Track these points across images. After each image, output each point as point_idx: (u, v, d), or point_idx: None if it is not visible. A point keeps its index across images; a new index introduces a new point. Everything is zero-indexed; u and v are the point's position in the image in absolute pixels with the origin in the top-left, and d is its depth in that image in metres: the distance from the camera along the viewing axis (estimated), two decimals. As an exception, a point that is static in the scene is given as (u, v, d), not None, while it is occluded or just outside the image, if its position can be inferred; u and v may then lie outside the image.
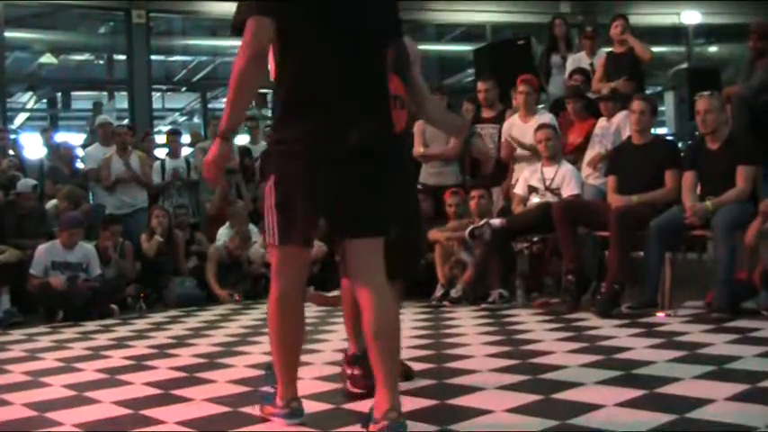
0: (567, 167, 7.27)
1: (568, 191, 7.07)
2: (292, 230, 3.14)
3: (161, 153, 10.92)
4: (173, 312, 7.85)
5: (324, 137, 3.06)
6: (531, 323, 6.00)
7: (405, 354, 4.83)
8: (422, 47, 17.09)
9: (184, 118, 20.11)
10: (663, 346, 4.80)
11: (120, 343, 6.04)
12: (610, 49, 9.09)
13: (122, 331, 6.71)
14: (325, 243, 8.02)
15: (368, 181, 3.13)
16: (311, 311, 7.25)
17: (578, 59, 9.59)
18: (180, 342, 5.91)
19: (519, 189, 7.44)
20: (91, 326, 7.09)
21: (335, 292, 7.63)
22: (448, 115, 4.58)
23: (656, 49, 15.84)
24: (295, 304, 3.30)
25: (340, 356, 4.26)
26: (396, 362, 3.17)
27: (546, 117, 8.04)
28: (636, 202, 6.46)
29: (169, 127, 17.37)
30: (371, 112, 3.15)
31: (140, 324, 7.13)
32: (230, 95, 3.10)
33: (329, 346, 5.39)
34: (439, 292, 7.30)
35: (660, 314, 5.98)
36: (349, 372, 3.92)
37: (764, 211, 5.87)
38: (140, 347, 5.77)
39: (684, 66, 17.14)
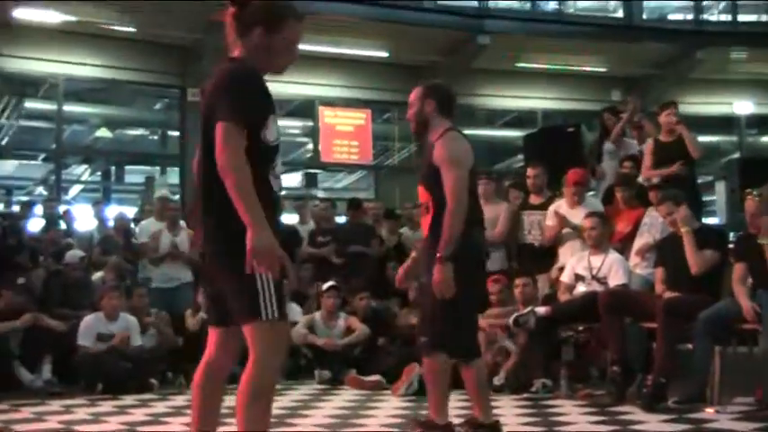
0: (614, 256, 7.16)
1: (615, 280, 6.96)
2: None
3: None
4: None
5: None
6: (574, 414, 5.86)
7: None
8: (472, 132, 17.19)
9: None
10: (711, 445, 4.65)
11: (156, 419, 6.00)
12: (656, 137, 8.72)
13: (160, 407, 6.67)
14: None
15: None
16: (349, 395, 7.18)
17: (630, 145, 9.53)
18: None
19: (565, 277, 7.33)
20: (129, 400, 7.05)
21: (375, 377, 7.56)
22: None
23: (707, 138, 15.80)
24: (215, 377, 3.38)
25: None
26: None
27: (594, 205, 7.98)
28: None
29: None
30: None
31: (179, 400, 7.06)
32: None
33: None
34: (481, 379, 7.16)
35: (708, 410, 5.80)
36: None
37: None
38: (176, 425, 5.72)
39: (736, 155, 17.03)
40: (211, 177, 3.13)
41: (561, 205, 8.00)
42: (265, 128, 3.21)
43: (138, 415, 6.23)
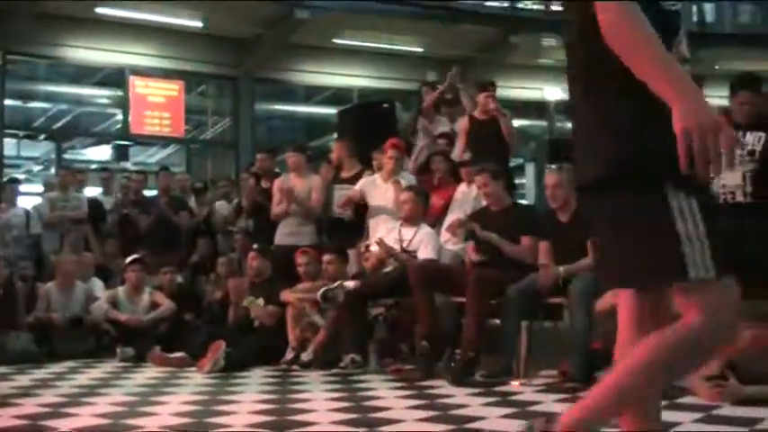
0: (425, 230, 7.13)
1: (424, 254, 6.91)
2: None
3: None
4: (3, 369, 7.26)
5: None
6: (382, 389, 5.76)
7: (246, 419, 4.56)
8: (290, 108, 16.99)
9: (41, 167, 19.25)
10: (516, 416, 4.64)
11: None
12: (472, 114, 8.78)
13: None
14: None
15: None
16: (152, 372, 6.87)
17: (442, 122, 9.60)
18: (3, 402, 5.42)
19: (375, 247, 7.22)
20: None
21: (179, 354, 7.26)
22: None
23: (519, 122, 16.20)
24: None
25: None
26: None
27: (409, 179, 7.95)
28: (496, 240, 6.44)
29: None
30: None
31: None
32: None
33: (166, 409, 5.04)
34: (289, 355, 7.00)
35: (515, 383, 5.84)
36: None
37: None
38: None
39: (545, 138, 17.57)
40: None
41: (376, 182, 7.91)
42: None
43: None
